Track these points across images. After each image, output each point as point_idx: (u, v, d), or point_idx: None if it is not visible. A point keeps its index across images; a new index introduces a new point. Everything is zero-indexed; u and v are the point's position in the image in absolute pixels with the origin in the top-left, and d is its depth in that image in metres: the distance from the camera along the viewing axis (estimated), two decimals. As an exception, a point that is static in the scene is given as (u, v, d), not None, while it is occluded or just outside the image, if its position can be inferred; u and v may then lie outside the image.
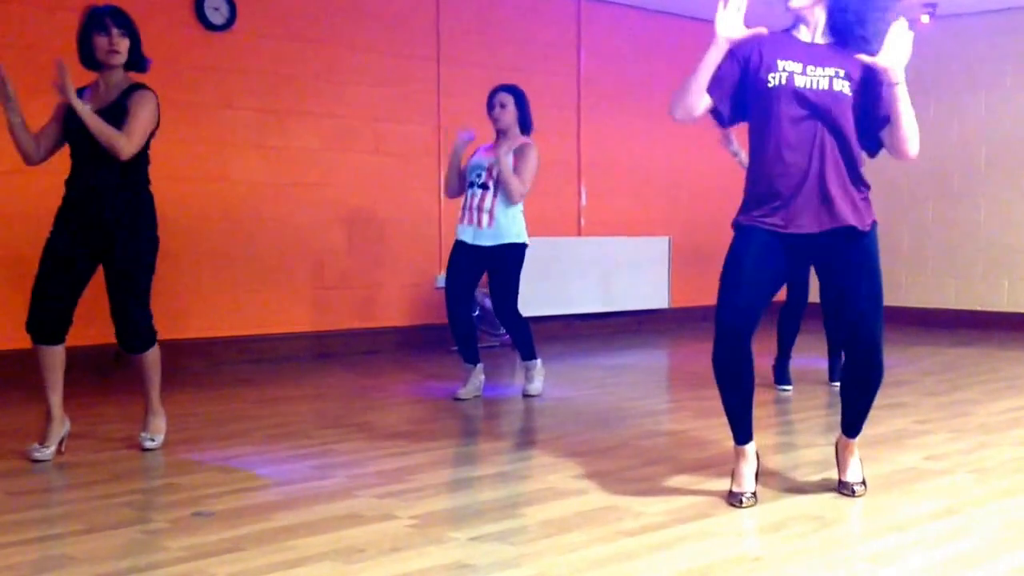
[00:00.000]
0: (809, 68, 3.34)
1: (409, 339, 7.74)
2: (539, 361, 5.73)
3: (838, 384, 4.64)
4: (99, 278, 4.19)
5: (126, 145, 4.02)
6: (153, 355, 4.29)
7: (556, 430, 4.84)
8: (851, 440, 3.64)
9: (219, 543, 3.05)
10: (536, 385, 5.70)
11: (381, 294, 7.72)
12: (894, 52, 3.26)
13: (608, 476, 3.87)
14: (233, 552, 2.97)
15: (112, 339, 4.27)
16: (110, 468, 4.00)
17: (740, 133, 4.22)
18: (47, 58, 5.49)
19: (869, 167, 3.47)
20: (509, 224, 5.45)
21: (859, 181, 3.41)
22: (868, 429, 3.73)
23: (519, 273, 5.53)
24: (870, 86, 3.37)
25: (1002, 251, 9.30)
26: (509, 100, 5.50)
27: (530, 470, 4.05)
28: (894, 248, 9.68)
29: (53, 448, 4.14)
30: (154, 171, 4.26)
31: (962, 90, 9.39)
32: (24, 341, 4.24)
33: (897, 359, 7.15)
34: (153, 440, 4.32)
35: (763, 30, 3.39)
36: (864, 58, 3.28)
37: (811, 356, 6.56)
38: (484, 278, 5.64)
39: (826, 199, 3.35)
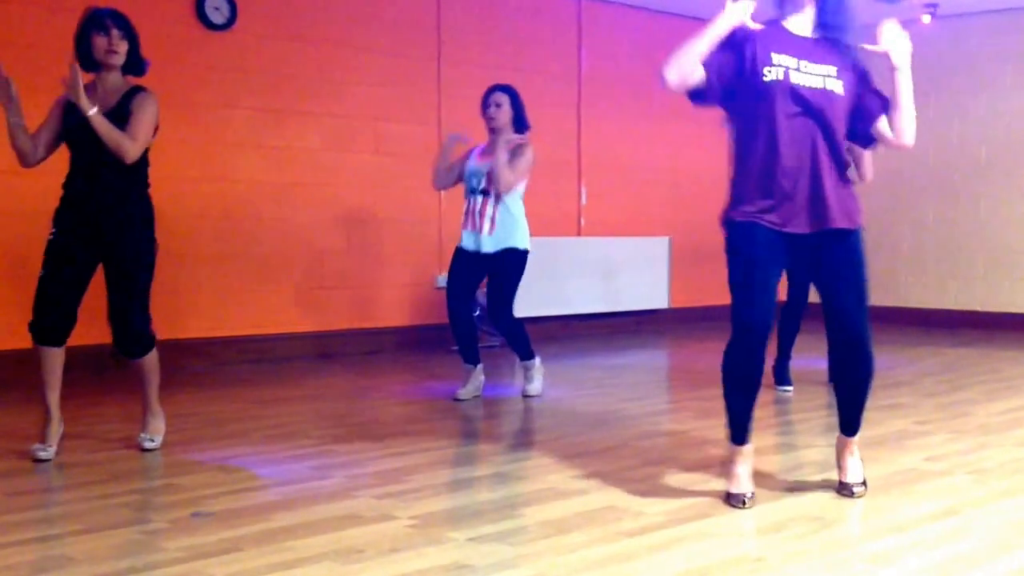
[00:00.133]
0: (803, 64, 3.34)
1: (409, 339, 7.74)
2: (537, 360, 5.72)
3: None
4: (99, 278, 4.19)
5: (132, 148, 4.03)
6: (152, 358, 4.28)
7: (556, 430, 4.84)
8: (850, 439, 3.64)
9: (218, 543, 3.05)
10: (535, 385, 5.69)
11: (381, 294, 7.72)
12: (893, 45, 3.32)
13: (608, 476, 3.86)
14: (232, 552, 2.97)
15: (111, 339, 4.26)
16: (109, 468, 4.00)
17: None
18: (47, 58, 5.52)
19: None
20: (511, 229, 5.44)
21: (846, 179, 3.44)
22: (868, 430, 3.73)
23: (519, 279, 5.51)
24: (860, 84, 3.40)
25: (1002, 251, 9.29)
26: (504, 100, 5.48)
27: (529, 470, 4.04)
28: (894, 248, 9.69)
29: (55, 447, 4.14)
30: (154, 171, 4.26)
31: (962, 90, 9.38)
32: (23, 341, 4.23)
33: (897, 360, 7.15)
34: (152, 441, 4.32)
35: (759, 26, 3.41)
36: (867, 47, 3.30)
37: (811, 356, 6.55)
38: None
39: (819, 199, 3.36)
